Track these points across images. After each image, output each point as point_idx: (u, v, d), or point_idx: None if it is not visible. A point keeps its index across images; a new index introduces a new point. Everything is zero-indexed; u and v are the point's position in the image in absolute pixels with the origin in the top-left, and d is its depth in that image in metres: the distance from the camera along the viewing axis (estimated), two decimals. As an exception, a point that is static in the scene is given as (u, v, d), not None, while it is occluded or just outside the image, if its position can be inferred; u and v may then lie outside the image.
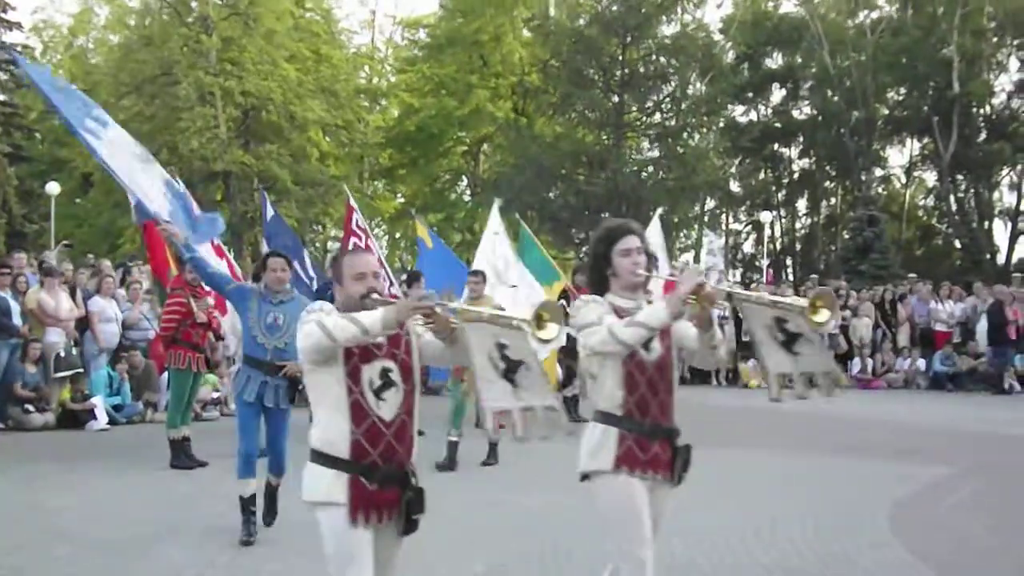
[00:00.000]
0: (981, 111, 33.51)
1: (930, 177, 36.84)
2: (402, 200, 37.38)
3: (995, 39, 32.58)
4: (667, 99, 30.15)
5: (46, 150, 34.07)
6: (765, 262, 33.57)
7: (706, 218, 37.36)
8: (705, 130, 31.08)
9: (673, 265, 18.65)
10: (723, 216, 39.08)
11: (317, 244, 36.23)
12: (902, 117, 34.55)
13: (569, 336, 4.30)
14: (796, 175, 38.86)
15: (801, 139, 37.28)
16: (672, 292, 3.28)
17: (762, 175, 39.38)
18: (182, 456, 8.28)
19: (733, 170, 36.66)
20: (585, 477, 3.44)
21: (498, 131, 32.16)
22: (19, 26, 32.23)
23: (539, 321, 3.14)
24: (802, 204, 39.84)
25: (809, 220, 39.74)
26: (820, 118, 35.61)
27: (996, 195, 35.27)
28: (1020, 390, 15.49)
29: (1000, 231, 34.81)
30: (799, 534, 5.89)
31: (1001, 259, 32.92)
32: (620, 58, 28.61)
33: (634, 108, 29.91)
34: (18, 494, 7.23)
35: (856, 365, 16.82)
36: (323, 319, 2.98)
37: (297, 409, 5.92)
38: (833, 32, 33.60)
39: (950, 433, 10.89)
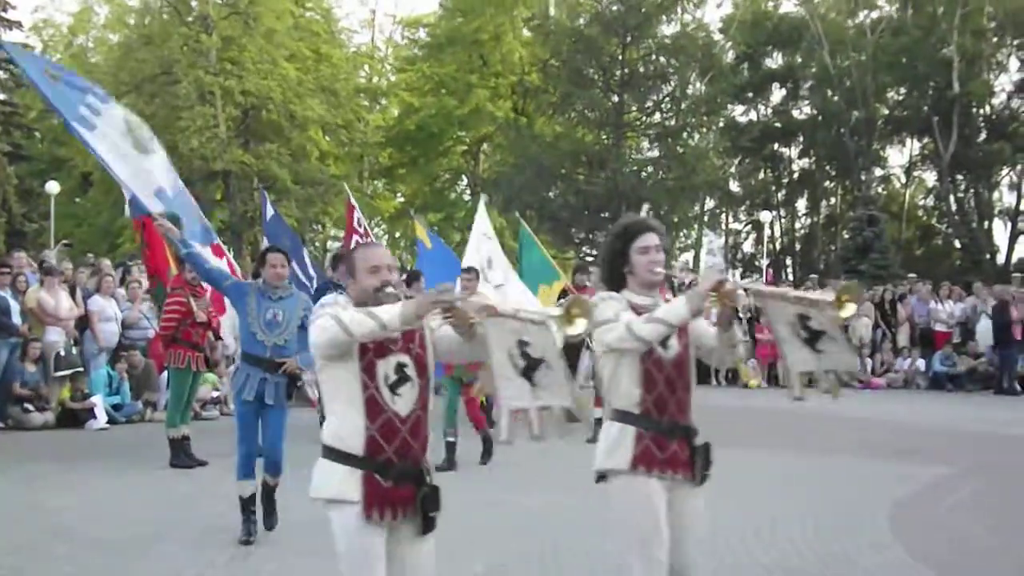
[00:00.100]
0: (981, 111, 33.49)
1: (930, 177, 36.88)
2: (402, 199, 37.35)
3: (995, 39, 32.56)
4: (667, 99, 30.09)
5: (46, 149, 34.04)
6: (765, 262, 33.52)
7: (706, 218, 37.35)
8: (705, 130, 31.01)
9: (672, 265, 18.62)
10: (723, 216, 39.10)
11: (317, 243, 36.21)
12: (902, 117, 34.53)
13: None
14: (796, 175, 38.85)
15: (801, 139, 37.26)
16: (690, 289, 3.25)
17: (762, 175, 39.36)
18: (182, 455, 8.29)
19: (733, 170, 36.61)
20: (601, 476, 3.38)
21: (498, 131, 32.11)
22: (19, 25, 32.19)
23: (568, 317, 3.00)
24: (802, 204, 39.83)
25: (809, 220, 39.72)
26: (820, 118, 35.58)
27: (996, 195, 35.32)
28: (1020, 391, 15.49)
29: (1000, 231, 34.89)
30: (799, 534, 5.89)
31: (1001, 259, 32.91)
32: (620, 58, 28.55)
33: (634, 108, 29.85)
34: (18, 494, 7.22)
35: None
36: (339, 313, 2.89)
37: (293, 408, 5.90)
38: (833, 32, 33.57)
39: (950, 433, 10.89)
